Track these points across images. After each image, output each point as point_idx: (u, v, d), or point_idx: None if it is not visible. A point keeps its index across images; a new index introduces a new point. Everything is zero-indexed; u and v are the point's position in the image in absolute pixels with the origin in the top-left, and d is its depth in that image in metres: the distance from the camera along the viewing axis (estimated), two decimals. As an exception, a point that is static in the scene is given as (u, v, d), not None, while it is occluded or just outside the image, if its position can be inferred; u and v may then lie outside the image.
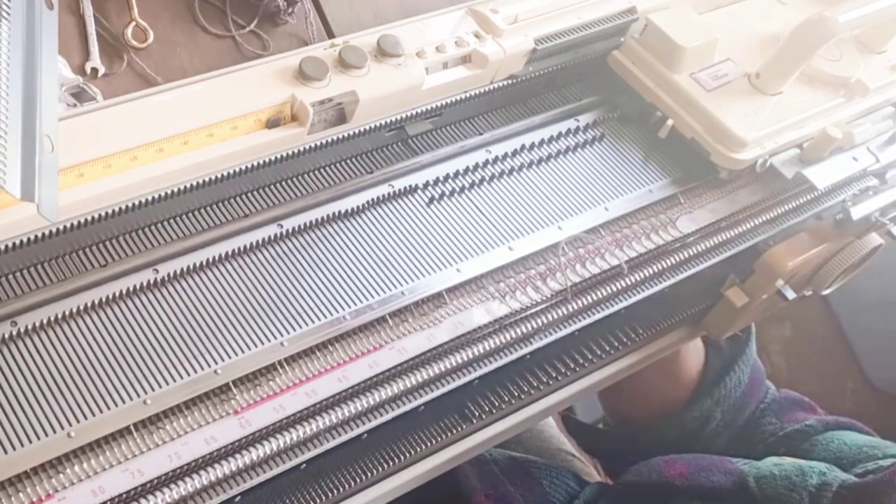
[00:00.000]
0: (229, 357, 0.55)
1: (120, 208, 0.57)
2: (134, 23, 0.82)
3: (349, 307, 0.59)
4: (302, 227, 0.62)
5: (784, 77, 0.74)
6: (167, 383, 0.53)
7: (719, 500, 0.70)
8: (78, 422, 0.51)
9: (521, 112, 0.75)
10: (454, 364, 0.60)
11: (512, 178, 0.70)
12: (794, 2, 0.83)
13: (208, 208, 0.62)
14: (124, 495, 0.49)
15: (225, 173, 0.60)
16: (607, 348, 0.71)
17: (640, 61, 0.74)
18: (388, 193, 0.66)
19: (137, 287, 0.57)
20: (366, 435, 0.58)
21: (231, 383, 0.54)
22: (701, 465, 0.73)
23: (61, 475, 0.49)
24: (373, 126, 0.66)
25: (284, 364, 0.56)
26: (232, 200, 0.63)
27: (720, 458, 0.74)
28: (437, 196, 0.67)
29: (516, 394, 0.66)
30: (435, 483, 0.64)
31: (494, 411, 0.65)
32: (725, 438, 0.83)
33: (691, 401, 0.83)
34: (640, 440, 0.85)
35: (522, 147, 0.71)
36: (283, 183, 0.65)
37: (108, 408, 0.52)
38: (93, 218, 0.56)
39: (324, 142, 0.64)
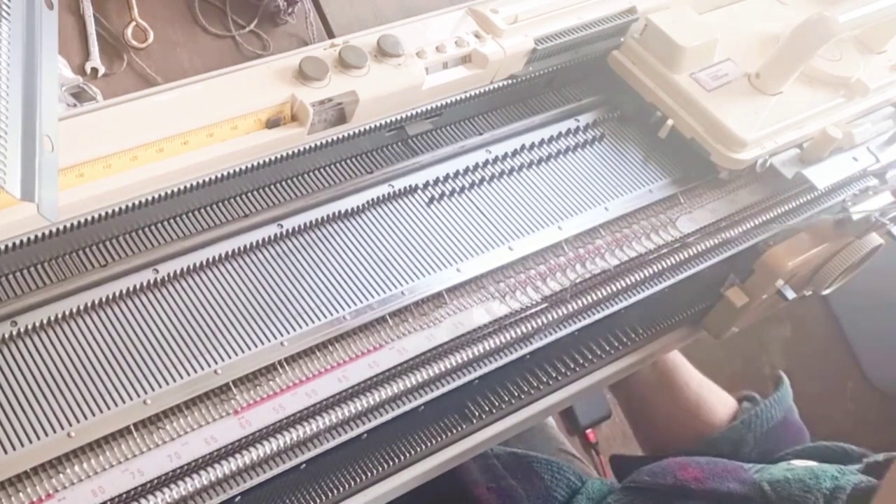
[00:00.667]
0: (229, 357, 0.55)
1: (120, 208, 0.57)
2: (134, 23, 0.82)
3: (349, 307, 0.59)
4: (302, 227, 0.62)
5: (784, 77, 0.74)
6: (167, 383, 0.53)
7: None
8: (78, 422, 0.51)
9: (521, 112, 0.75)
10: (454, 364, 0.60)
11: (512, 178, 0.70)
12: (794, 2, 0.83)
13: (208, 208, 0.62)
14: (124, 495, 0.49)
15: (225, 173, 0.60)
16: (607, 348, 0.71)
17: (640, 61, 0.74)
18: (388, 193, 0.66)
19: (137, 287, 0.57)
20: (366, 435, 0.58)
21: (231, 383, 0.54)
22: (715, 470, 0.73)
23: (61, 475, 0.49)
24: (373, 126, 0.66)
25: (284, 364, 0.56)
26: (232, 200, 0.63)
27: (733, 464, 0.74)
28: (437, 196, 0.67)
29: (516, 394, 0.66)
30: (436, 476, 0.64)
31: (494, 411, 0.65)
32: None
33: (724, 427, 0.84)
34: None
35: (522, 147, 0.71)
36: (283, 183, 0.65)
37: (108, 408, 0.52)
38: (93, 218, 0.56)
39: (324, 142, 0.64)
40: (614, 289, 0.66)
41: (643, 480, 0.76)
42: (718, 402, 0.87)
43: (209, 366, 0.55)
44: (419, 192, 0.67)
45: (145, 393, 0.53)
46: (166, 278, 0.58)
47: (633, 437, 0.98)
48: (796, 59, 0.73)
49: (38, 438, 0.50)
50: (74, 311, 0.55)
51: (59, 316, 0.54)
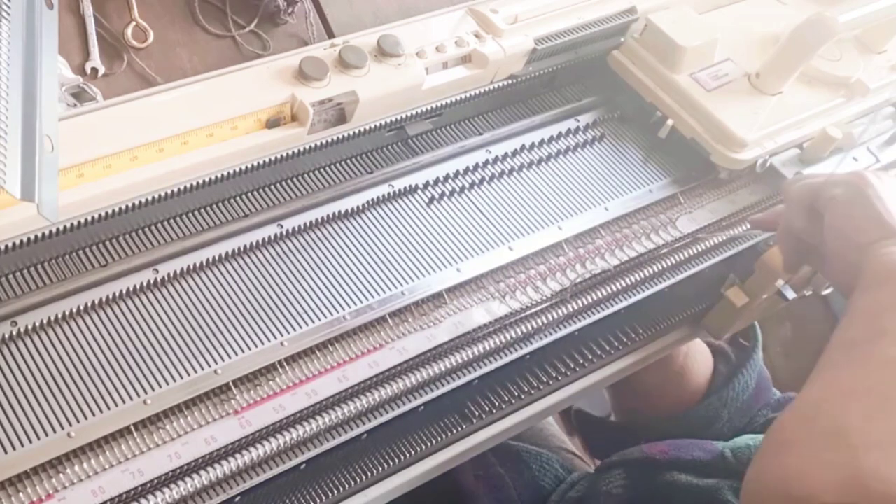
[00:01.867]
0: (229, 357, 0.55)
1: (120, 208, 0.57)
2: (134, 23, 0.82)
3: (349, 307, 0.59)
4: (302, 227, 0.62)
5: (784, 77, 0.74)
6: (167, 383, 0.53)
7: (697, 470, 0.73)
8: (78, 422, 0.51)
9: (521, 112, 0.75)
10: (454, 364, 0.60)
11: (512, 178, 0.70)
12: (794, 2, 0.83)
13: (208, 208, 0.62)
14: (124, 495, 0.49)
15: (225, 173, 0.60)
16: (607, 348, 0.71)
17: (640, 61, 0.74)
18: (388, 193, 0.66)
19: (137, 287, 0.57)
20: (365, 435, 0.58)
21: (231, 383, 0.54)
22: (681, 444, 0.76)
23: (61, 475, 0.49)
24: (373, 126, 0.66)
25: (284, 364, 0.56)
26: (232, 200, 0.63)
27: (700, 441, 0.76)
28: (437, 196, 0.67)
29: (516, 394, 0.66)
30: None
31: (494, 411, 0.65)
32: (729, 437, 0.84)
33: (700, 402, 0.83)
34: (645, 434, 0.86)
35: (522, 147, 0.71)
36: (283, 183, 0.65)
37: (108, 408, 0.52)
38: (93, 218, 0.56)
39: (324, 142, 0.64)
40: (614, 289, 0.66)
41: (612, 460, 0.79)
42: (701, 367, 0.86)
43: (209, 366, 0.55)
44: (419, 192, 0.67)
45: (145, 393, 0.53)
46: (166, 278, 0.58)
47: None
48: (796, 59, 0.73)
49: (38, 438, 0.50)
50: (74, 311, 0.55)
51: (59, 316, 0.54)
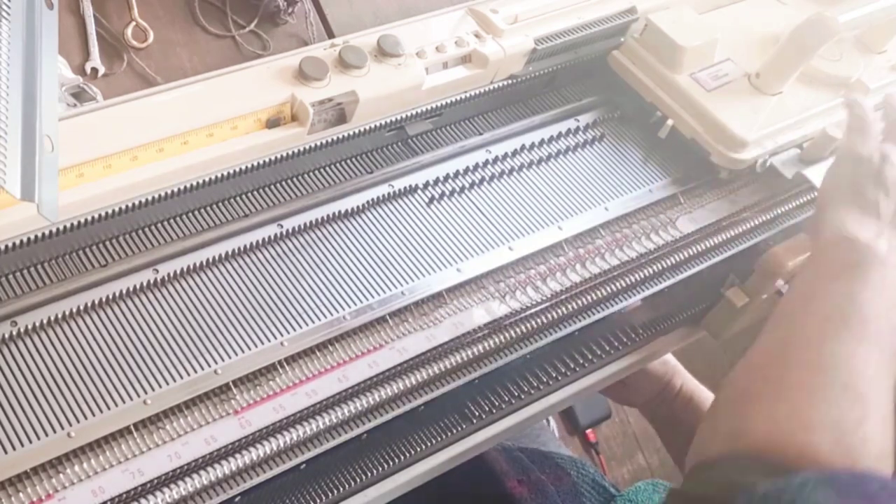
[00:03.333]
0: (229, 357, 0.55)
1: (120, 208, 0.57)
2: (134, 23, 0.82)
3: (349, 307, 0.59)
4: (302, 227, 0.62)
5: (784, 77, 0.73)
6: (167, 383, 0.53)
7: None
8: (78, 422, 0.51)
9: (521, 112, 0.75)
10: (454, 364, 0.60)
11: (512, 178, 0.70)
12: (794, 2, 0.83)
13: (208, 208, 0.62)
14: (124, 495, 0.49)
15: (225, 173, 0.60)
16: (607, 348, 0.71)
17: (640, 61, 0.74)
18: (388, 193, 0.66)
19: (137, 287, 0.57)
20: (365, 435, 0.58)
21: (231, 383, 0.54)
22: None
23: (61, 475, 0.49)
24: (373, 126, 0.66)
25: (284, 364, 0.56)
26: (232, 200, 0.63)
27: None
28: (437, 196, 0.67)
29: (516, 394, 0.66)
30: (464, 466, 0.64)
31: (494, 411, 0.65)
32: None
33: None
34: None
35: (522, 147, 0.71)
36: (283, 183, 0.65)
37: (108, 408, 0.52)
38: (93, 218, 0.56)
39: (324, 142, 0.64)
40: (614, 289, 0.66)
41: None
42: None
43: (209, 366, 0.55)
44: (419, 192, 0.67)
45: (145, 393, 0.53)
46: (166, 278, 0.58)
47: (633, 437, 0.99)
48: (796, 59, 0.73)
49: (38, 438, 0.50)
50: (74, 311, 0.55)
51: (59, 316, 0.54)
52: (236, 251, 0.60)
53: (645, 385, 0.88)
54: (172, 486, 0.51)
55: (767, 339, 0.59)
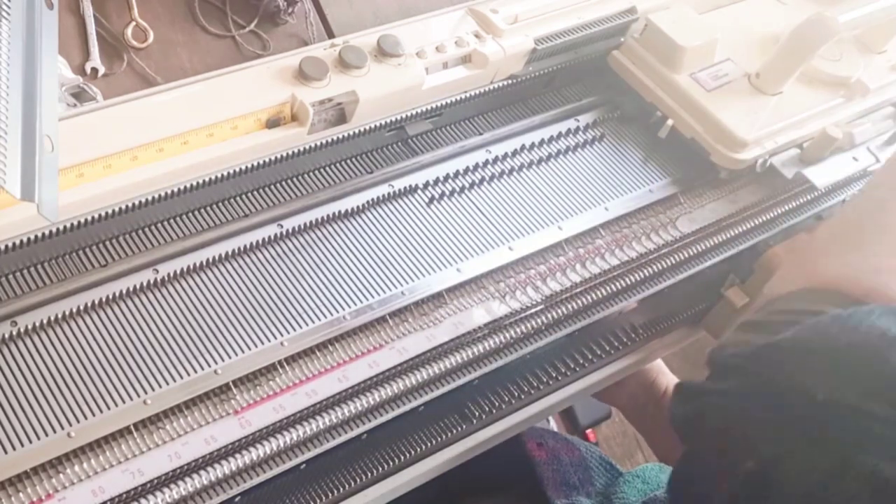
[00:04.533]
0: (229, 357, 0.55)
1: (120, 208, 0.57)
2: (134, 23, 0.82)
3: (349, 307, 0.59)
4: (302, 227, 0.62)
5: (784, 77, 0.73)
6: (167, 383, 0.53)
7: None
8: (78, 422, 0.51)
9: (521, 112, 0.75)
10: (454, 364, 0.60)
11: (512, 178, 0.70)
12: (794, 2, 0.83)
13: (208, 208, 0.62)
14: (124, 495, 0.49)
15: (225, 173, 0.60)
16: (608, 348, 0.71)
17: (640, 61, 0.74)
18: (388, 193, 0.66)
19: (137, 287, 0.57)
20: (366, 435, 0.58)
21: (231, 383, 0.54)
22: None
23: (61, 475, 0.49)
24: (373, 126, 0.66)
25: (284, 364, 0.56)
26: (232, 200, 0.63)
27: None
28: (437, 196, 0.67)
29: (516, 394, 0.66)
30: None
31: (494, 411, 0.65)
32: None
33: None
34: None
35: (522, 147, 0.71)
36: (283, 183, 0.65)
37: (108, 408, 0.52)
38: (93, 218, 0.56)
39: (324, 142, 0.64)
40: (614, 289, 0.66)
41: None
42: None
43: (209, 366, 0.55)
44: (419, 192, 0.67)
45: (145, 393, 0.53)
46: (166, 278, 0.58)
47: (633, 437, 0.98)
48: (796, 59, 0.73)
49: (38, 438, 0.50)
50: (74, 311, 0.55)
51: (59, 316, 0.54)
52: (236, 251, 0.60)
53: (630, 384, 0.88)
54: (172, 486, 0.51)
55: (847, 208, 0.67)
